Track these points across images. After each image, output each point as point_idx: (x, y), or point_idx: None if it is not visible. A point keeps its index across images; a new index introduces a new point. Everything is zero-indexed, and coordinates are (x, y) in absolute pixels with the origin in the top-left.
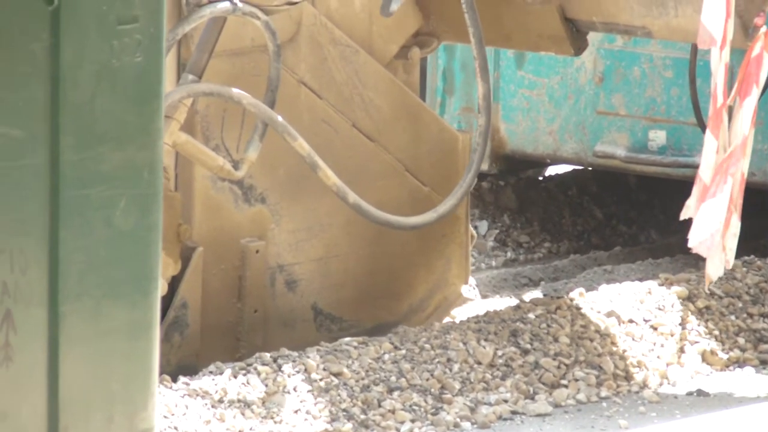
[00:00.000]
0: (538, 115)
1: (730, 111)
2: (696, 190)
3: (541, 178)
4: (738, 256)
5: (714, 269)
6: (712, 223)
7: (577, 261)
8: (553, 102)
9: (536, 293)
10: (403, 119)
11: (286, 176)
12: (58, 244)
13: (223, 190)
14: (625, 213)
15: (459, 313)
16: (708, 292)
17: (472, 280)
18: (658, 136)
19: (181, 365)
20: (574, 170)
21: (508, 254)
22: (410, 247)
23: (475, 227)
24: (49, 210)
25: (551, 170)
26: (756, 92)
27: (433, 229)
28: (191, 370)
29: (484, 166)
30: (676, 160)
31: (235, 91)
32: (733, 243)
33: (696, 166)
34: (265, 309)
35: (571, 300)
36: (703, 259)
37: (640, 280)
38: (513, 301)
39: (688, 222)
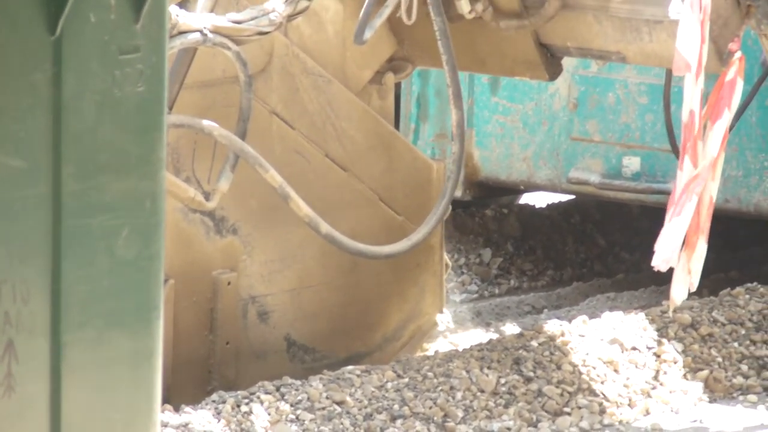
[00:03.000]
0: (512, 141)
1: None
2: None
3: (544, 206)
4: (740, 283)
5: (678, 292)
6: (675, 241)
7: (580, 288)
8: (528, 128)
9: (539, 321)
10: (376, 149)
11: (258, 207)
12: (60, 274)
13: (194, 222)
14: (627, 240)
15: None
16: (708, 319)
17: (447, 312)
18: (632, 163)
19: None
20: (576, 198)
21: (512, 282)
22: (384, 277)
23: (479, 255)
24: (51, 240)
25: (554, 198)
26: (727, 116)
27: (407, 258)
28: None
29: (458, 193)
30: (650, 186)
31: (206, 122)
32: (698, 266)
33: (670, 193)
34: (238, 341)
35: (575, 327)
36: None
37: (643, 307)
38: (516, 329)
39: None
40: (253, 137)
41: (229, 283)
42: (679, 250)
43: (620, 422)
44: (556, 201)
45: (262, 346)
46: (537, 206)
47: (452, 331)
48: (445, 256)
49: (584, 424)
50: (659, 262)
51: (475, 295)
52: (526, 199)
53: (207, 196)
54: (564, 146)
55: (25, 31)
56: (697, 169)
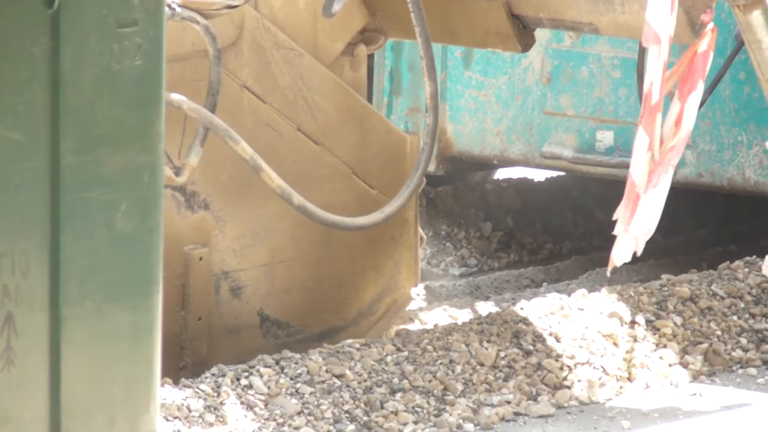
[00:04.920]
0: (485, 115)
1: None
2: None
3: (543, 180)
4: (739, 256)
5: (620, 254)
6: (653, 212)
7: (579, 262)
8: (501, 102)
9: (539, 295)
10: (349, 122)
11: (230, 182)
12: (59, 248)
13: (165, 198)
14: None
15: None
16: (708, 292)
17: (421, 287)
18: (605, 137)
19: None
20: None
21: (511, 256)
22: (358, 251)
23: (479, 229)
24: (49, 213)
25: (552, 172)
26: (701, 87)
27: (382, 232)
28: None
29: (431, 168)
30: (624, 160)
31: (175, 96)
32: (646, 232)
33: None
34: (210, 316)
35: (574, 301)
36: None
37: (642, 281)
38: (515, 303)
39: (690, 223)
40: (224, 111)
41: (200, 259)
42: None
43: (620, 395)
44: (554, 175)
45: (234, 321)
46: (536, 180)
47: (451, 304)
48: (420, 230)
49: (584, 397)
50: (637, 232)
51: (475, 269)
52: (524, 173)
53: (177, 171)
54: (537, 121)
55: (23, 5)
56: (663, 141)
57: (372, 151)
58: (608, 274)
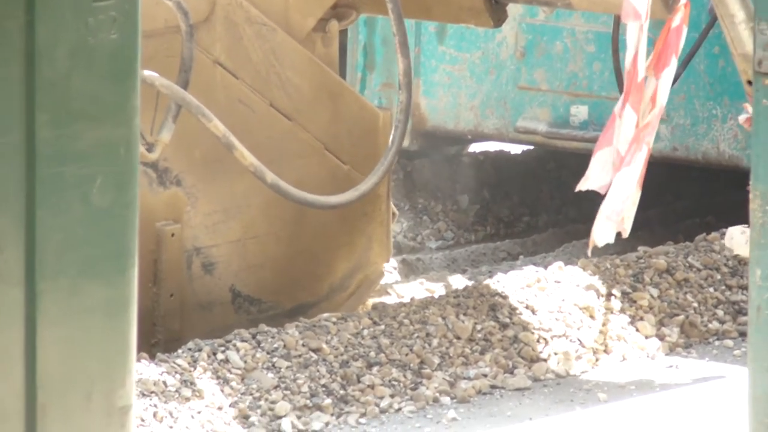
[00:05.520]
0: (459, 90)
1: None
2: (606, 163)
3: (519, 153)
4: (716, 228)
5: (601, 235)
6: (625, 190)
7: (555, 235)
8: (475, 77)
9: (515, 267)
10: (322, 98)
11: (202, 158)
12: (35, 222)
13: None
14: None
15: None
16: (684, 264)
17: (398, 261)
18: (579, 111)
19: None
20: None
21: (488, 229)
22: (330, 227)
23: (456, 202)
24: (25, 188)
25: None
26: (675, 63)
27: (354, 207)
28: None
29: (405, 143)
30: (598, 135)
31: (147, 72)
32: (631, 212)
33: None
34: (182, 293)
35: (551, 274)
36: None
37: (619, 253)
38: (492, 276)
39: (667, 195)
40: (196, 87)
41: (172, 235)
42: (629, 199)
43: (596, 368)
44: (531, 148)
45: (206, 297)
46: (513, 153)
47: (428, 278)
48: (392, 205)
49: (560, 369)
50: (610, 212)
51: (451, 242)
52: (500, 146)
53: (149, 148)
54: (511, 95)
55: None
56: (644, 118)
57: (344, 126)
58: (589, 254)
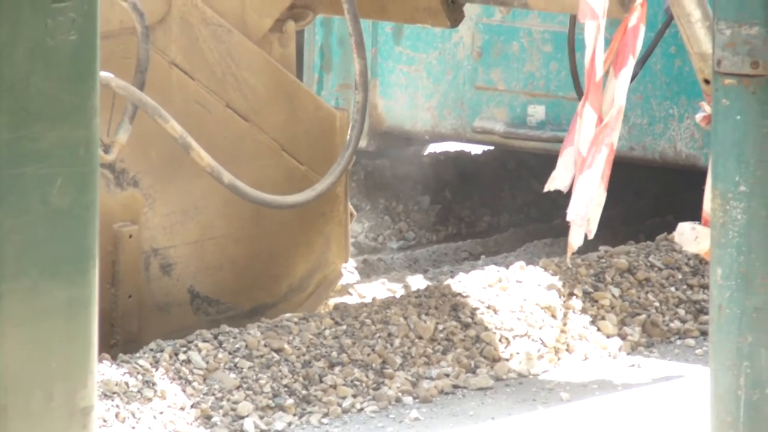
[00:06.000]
0: (416, 90)
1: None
2: (570, 163)
3: (480, 152)
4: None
5: (576, 239)
6: (587, 193)
7: (517, 234)
8: (432, 77)
9: (476, 267)
10: (278, 99)
11: (159, 159)
12: None
13: None
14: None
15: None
16: (645, 264)
17: (359, 261)
18: (537, 111)
19: None
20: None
21: (449, 228)
22: (289, 228)
23: (417, 202)
24: None
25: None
26: (632, 63)
27: (312, 208)
28: None
29: (362, 143)
30: (555, 135)
31: (103, 73)
32: (597, 213)
33: None
34: (140, 294)
35: (512, 273)
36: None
37: (580, 252)
38: (453, 276)
39: (628, 194)
40: (152, 89)
41: (130, 236)
42: (592, 201)
43: (558, 367)
44: (492, 148)
45: (165, 298)
46: (473, 153)
47: (389, 278)
48: (350, 206)
49: (522, 369)
50: (574, 216)
51: (413, 242)
52: (461, 146)
53: (106, 149)
54: (468, 95)
55: None
56: (602, 118)
57: (301, 127)
58: (568, 260)
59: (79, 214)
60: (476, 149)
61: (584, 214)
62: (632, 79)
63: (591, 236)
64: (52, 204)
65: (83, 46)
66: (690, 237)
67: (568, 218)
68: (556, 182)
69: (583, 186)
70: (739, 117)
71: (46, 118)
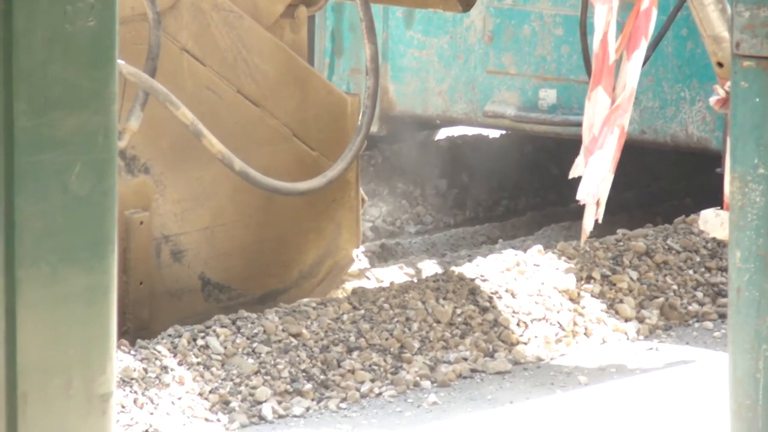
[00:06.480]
0: (427, 75)
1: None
2: (587, 147)
3: (497, 136)
4: (694, 210)
5: (589, 223)
6: (599, 173)
7: (534, 218)
8: (443, 62)
9: (494, 251)
10: (289, 84)
11: (170, 145)
12: (14, 211)
13: None
14: None
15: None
16: (663, 247)
17: (377, 245)
18: (548, 95)
19: None
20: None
21: (467, 212)
22: (299, 213)
23: (435, 186)
24: (3, 176)
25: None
26: (644, 45)
27: (323, 194)
28: None
29: (373, 128)
30: (567, 118)
31: None
32: (604, 196)
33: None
34: (151, 281)
35: (530, 257)
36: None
37: (598, 236)
38: (471, 260)
39: (644, 177)
40: (163, 75)
41: (141, 223)
42: (603, 181)
43: (577, 351)
44: (509, 132)
45: (176, 285)
46: (491, 137)
47: (407, 262)
48: (361, 191)
49: (541, 353)
50: (584, 195)
51: (430, 226)
52: (478, 130)
53: (117, 136)
54: (480, 79)
55: None
56: (615, 101)
57: (312, 112)
58: (582, 244)
59: (98, 201)
60: (494, 133)
61: (595, 194)
62: (644, 63)
63: (600, 220)
64: (70, 191)
65: (102, 32)
66: (716, 223)
67: (578, 197)
68: (579, 169)
69: (595, 166)
70: (758, 99)
71: (65, 105)
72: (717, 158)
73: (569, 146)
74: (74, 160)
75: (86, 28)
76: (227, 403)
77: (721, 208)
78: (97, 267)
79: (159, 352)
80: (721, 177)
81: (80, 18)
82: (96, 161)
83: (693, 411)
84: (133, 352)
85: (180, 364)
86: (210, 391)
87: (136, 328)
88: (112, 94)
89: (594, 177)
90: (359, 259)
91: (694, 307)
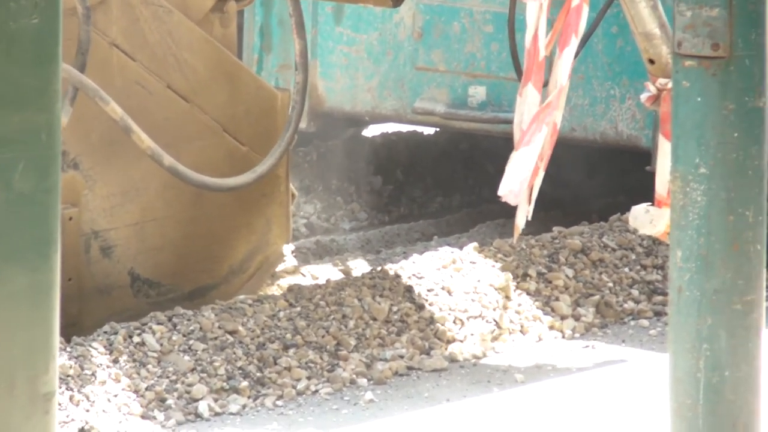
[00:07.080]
0: (356, 71)
1: (549, 62)
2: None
3: (432, 133)
4: (629, 208)
5: (521, 220)
6: (522, 171)
7: (469, 215)
8: (372, 58)
9: (429, 248)
10: (219, 79)
11: (99, 141)
12: None
13: None
14: None
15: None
16: (599, 244)
17: (312, 242)
18: (477, 92)
19: None
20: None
21: (401, 209)
22: (229, 209)
23: (369, 183)
24: None
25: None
26: (575, 43)
27: (253, 189)
28: None
29: (302, 125)
30: (496, 116)
31: None
32: (535, 193)
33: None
34: (80, 277)
35: (466, 254)
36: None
37: (533, 233)
38: (407, 257)
39: (580, 174)
40: (93, 70)
41: (70, 219)
42: (526, 180)
43: (513, 349)
44: (444, 129)
45: (105, 281)
46: (426, 133)
47: (343, 259)
48: (291, 186)
49: (477, 350)
50: (506, 191)
51: (365, 223)
52: (413, 127)
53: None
54: (409, 76)
55: None
56: (545, 98)
57: (242, 107)
58: (514, 241)
59: (42, 199)
60: (428, 130)
61: (517, 191)
62: (574, 59)
63: (530, 217)
64: (14, 189)
65: (45, 29)
66: (645, 220)
67: (499, 193)
68: None
69: (518, 163)
70: (699, 99)
71: (8, 103)
72: (647, 156)
73: (504, 143)
74: (18, 157)
75: (29, 25)
76: (163, 400)
77: (653, 204)
78: (40, 266)
79: (95, 348)
80: (652, 175)
81: (23, 15)
82: (39, 159)
83: (629, 410)
84: (69, 349)
85: (116, 361)
86: (146, 389)
87: (66, 325)
88: (55, 92)
89: (516, 173)
90: (294, 255)
91: (629, 304)
